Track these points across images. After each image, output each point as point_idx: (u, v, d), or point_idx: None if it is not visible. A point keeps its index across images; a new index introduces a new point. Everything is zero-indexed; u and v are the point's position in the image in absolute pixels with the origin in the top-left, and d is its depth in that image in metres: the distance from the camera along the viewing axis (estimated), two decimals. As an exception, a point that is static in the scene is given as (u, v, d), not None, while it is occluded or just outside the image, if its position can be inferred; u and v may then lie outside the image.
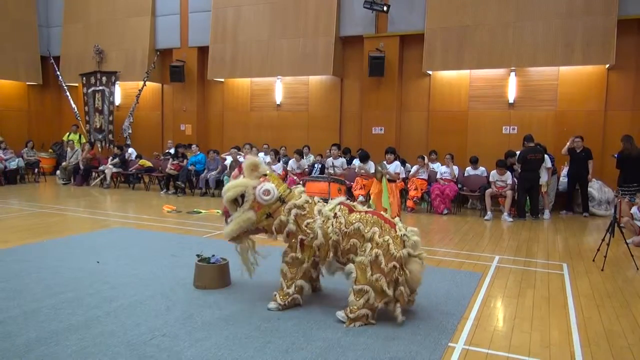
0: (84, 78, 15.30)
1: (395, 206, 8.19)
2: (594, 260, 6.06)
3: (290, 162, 11.26)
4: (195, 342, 3.47)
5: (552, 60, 10.39)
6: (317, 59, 12.32)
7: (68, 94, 15.51)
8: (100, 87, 15.08)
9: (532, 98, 10.99)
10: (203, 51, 14.08)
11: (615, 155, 8.65)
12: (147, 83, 14.39)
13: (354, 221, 4.02)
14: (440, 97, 11.78)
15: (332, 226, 4.04)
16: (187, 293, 4.53)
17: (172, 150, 13.08)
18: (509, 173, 9.43)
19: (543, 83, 10.90)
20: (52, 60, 15.82)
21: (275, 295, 4.18)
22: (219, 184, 11.52)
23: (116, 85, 14.98)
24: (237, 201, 4.18)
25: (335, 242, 4.02)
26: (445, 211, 9.74)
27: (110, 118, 15.06)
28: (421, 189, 10.15)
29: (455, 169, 10.23)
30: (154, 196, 11.72)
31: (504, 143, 11.02)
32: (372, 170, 9.53)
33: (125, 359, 3.19)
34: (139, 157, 13.28)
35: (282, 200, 4.18)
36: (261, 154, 11.68)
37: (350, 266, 3.93)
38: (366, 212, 4.16)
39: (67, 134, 15.25)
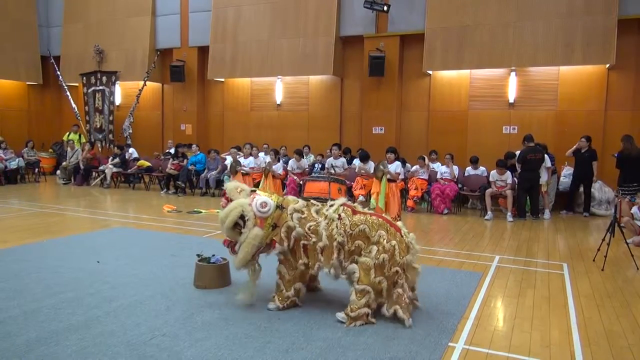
0: (84, 78, 15.30)
1: (395, 206, 8.19)
2: (594, 260, 6.06)
3: (291, 162, 11.27)
4: (195, 342, 3.47)
5: (553, 60, 10.38)
6: (318, 59, 12.32)
7: (68, 93, 15.51)
8: (101, 87, 15.08)
9: (532, 98, 10.99)
10: (203, 51, 14.08)
11: (615, 155, 8.65)
12: (147, 83, 14.39)
13: (359, 223, 4.02)
14: (441, 97, 11.78)
15: (337, 228, 4.02)
16: (187, 293, 4.53)
17: (172, 150, 13.08)
18: (509, 173, 9.43)
19: (543, 83, 10.90)
20: (53, 60, 15.83)
21: (273, 297, 4.17)
22: (219, 183, 11.52)
23: (116, 85, 14.99)
24: (238, 226, 4.08)
25: (340, 244, 4.01)
26: (446, 211, 9.74)
27: (111, 118, 15.06)
28: (421, 189, 10.15)
29: (455, 169, 10.23)
30: (154, 196, 11.72)
31: (504, 143, 11.02)
32: (372, 170, 9.53)
33: (126, 359, 3.19)
34: (136, 159, 13.28)
35: (280, 207, 4.15)
36: (261, 154, 11.68)
37: (353, 266, 3.93)
38: (370, 214, 4.16)
39: (67, 133, 15.26)
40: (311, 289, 4.54)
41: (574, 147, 9.70)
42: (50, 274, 5.01)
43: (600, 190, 9.81)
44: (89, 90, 15.28)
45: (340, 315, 3.91)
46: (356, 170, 10.18)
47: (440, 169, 10.42)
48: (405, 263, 3.92)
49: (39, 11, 16.16)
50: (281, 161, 11.53)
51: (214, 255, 4.86)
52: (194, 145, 12.70)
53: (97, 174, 13.61)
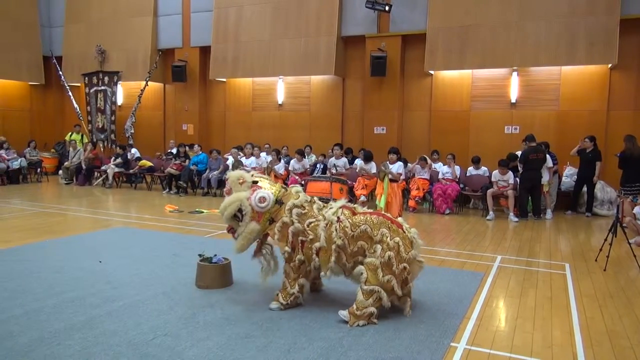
0: (86, 78, 15.32)
1: (396, 206, 8.20)
2: (596, 260, 6.05)
3: (292, 162, 11.27)
4: (197, 341, 3.47)
5: (555, 60, 10.37)
6: (319, 59, 12.32)
7: (70, 93, 15.53)
8: (103, 87, 15.10)
9: (534, 98, 10.98)
10: (205, 51, 14.10)
11: (618, 155, 8.63)
12: (149, 83, 14.41)
13: (360, 223, 4.02)
14: (442, 96, 11.77)
15: (336, 231, 4.01)
16: (189, 293, 4.53)
17: (174, 150, 13.09)
18: (510, 173, 9.42)
19: (545, 83, 10.89)
20: (55, 60, 15.86)
21: (277, 294, 4.18)
22: (221, 183, 11.51)
23: (118, 85, 15.01)
24: (237, 217, 4.15)
25: (340, 248, 4.00)
26: (447, 211, 9.73)
27: (113, 118, 15.08)
28: (423, 189, 10.14)
29: (457, 169, 10.22)
30: (156, 196, 11.73)
31: (506, 143, 11.01)
32: (374, 171, 9.53)
33: (127, 359, 3.20)
34: (138, 158, 13.29)
35: (279, 202, 4.15)
36: (263, 154, 11.69)
37: (360, 267, 3.93)
38: (370, 213, 4.16)
39: (70, 133, 15.29)
40: (313, 289, 4.54)
41: (578, 146, 9.68)
42: (52, 273, 5.02)
43: (603, 190, 9.79)
44: (91, 90, 15.30)
45: (343, 313, 3.90)
46: (357, 170, 10.18)
47: (442, 169, 10.42)
48: (411, 258, 3.95)
49: (41, 11, 16.18)
50: (283, 161, 11.53)
51: (215, 255, 4.86)
52: (195, 145, 12.71)
53: (99, 174, 13.62)
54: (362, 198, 9.41)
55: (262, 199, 4.07)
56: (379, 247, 3.90)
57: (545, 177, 9.39)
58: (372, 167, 9.70)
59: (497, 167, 9.51)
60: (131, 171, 13.06)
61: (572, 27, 10.09)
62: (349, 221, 4.05)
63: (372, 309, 3.84)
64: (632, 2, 9.84)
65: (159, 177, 12.90)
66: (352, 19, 12.20)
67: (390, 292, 3.89)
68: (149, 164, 13.01)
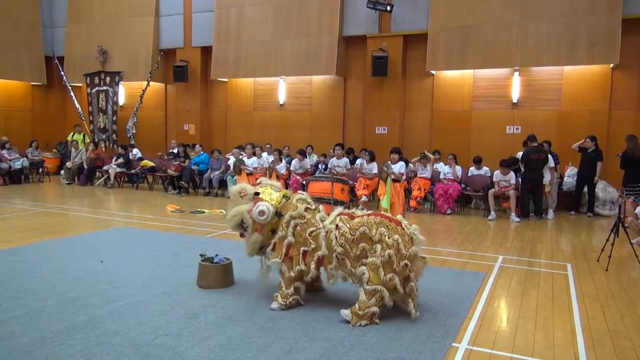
0: (88, 78, 15.35)
1: (399, 206, 8.20)
2: (598, 261, 6.04)
3: (294, 162, 11.27)
4: (199, 341, 3.48)
5: (556, 60, 10.35)
6: (321, 59, 12.32)
7: (72, 94, 15.54)
8: (104, 87, 15.12)
9: (535, 98, 10.97)
10: (206, 51, 14.11)
11: (620, 155, 8.62)
12: (150, 83, 14.42)
13: (358, 226, 4.02)
14: (444, 96, 11.76)
15: (336, 238, 4.03)
16: (191, 293, 4.53)
17: (175, 150, 13.10)
18: (512, 173, 9.41)
19: (547, 83, 10.87)
20: (56, 61, 15.88)
21: (276, 295, 4.18)
22: (222, 183, 11.54)
23: (120, 85, 15.02)
24: (242, 226, 4.32)
25: (342, 255, 4.01)
26: (449, 211, 9.72)
27: (114, 118, 15.10)
28: (424, 189, 10.13)
29: (458, 169, 10.21)
30: (158, 196, 11.75)
31: (507, 143, 11.00)
32: (375, 171, 9.52)
33: (129, 359, 3.20)
34: (140, 159, 13.31)
35: (279, 214, 4.22)
36: (264, 154, 11.69)
37: (362, 268, 3.93)
38: (368, 214, 4.17)
39: (71, 134, 15.30)
40: (314, 289, 4.54)
41: (580, 142, 9.66)
42: (53, 273, 5.03)
43: (604, 190, 9.78)
44: (93, 91, 15.32)
45: (345, 312, 3.89)
46: (359, 170, 10.17)
47: (443, 169, 10.41)
48: (412, 255, 3.93)
49: (43, 11, 16.20)
50: (284, 161, 11.54)
51: (217, 255, 4.86)
52: (197, 146, 12.72)
53: (100, 174, 13.64)
54: (364, 198, 9.41)
55: (262, 212, 4.18)
56: (378, 246, 3.90)
57: (547, 177, 9.38)
58: (374, 167, 9.69)
59: (498, 167, 9.50)
60: (133, 171, 13.08)
61: (574, 27, 10.07)
62: (347, 226, 4.06)
63: (375, 309, 3.83)
64: (634, 1, 9.83)
65: (160, 177, 12.91)
66: (353, 19, 12.20)
67: (392, 291, 3.88)
68: (151, 164, 13.03)
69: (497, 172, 9.52)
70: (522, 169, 9.37)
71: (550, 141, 9.98)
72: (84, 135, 15.29)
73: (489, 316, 4.16)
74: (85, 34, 15.60)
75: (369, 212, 4.30)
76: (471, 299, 4.54)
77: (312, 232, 4.11)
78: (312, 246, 4.08)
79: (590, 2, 9.97)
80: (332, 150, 11.33)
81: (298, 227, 4.14)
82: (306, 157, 11.53)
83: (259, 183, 4.53)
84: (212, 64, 13.72)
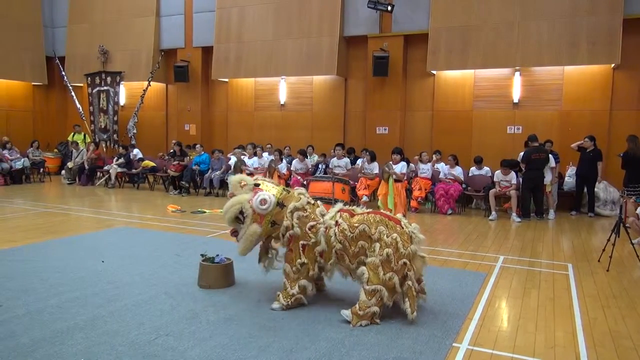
0: (89, 78, 15.36)
1: (400, 206, 8.19)
2: (599, 261, 6.03)
3: (294, 162, 11.27)
4: (199, 341, 3.48)
5: (557, 60, 10.35)
6: (321, 59, 12.32)
7: (73, 94, 15.56)
8: (105, 87, 15.13)
9: (536, 98, 10.96)
10: (207, 51, 14.11)
11: (621, 155, 8.61)
12: (151, 83, 14.43)
13: (357, 224, 4.02)
14: (445, 96, 11.76)
15: (335, 235, 4.03)
16: (191, 293, 4.53)
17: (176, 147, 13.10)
18: (513, 173, 9.40)
19: (548, 83, 10.87)
20: (57, 61, 15.89)
21: (278, 295, 4.18)
22: (223, 183, 11.54)
23: (121, 86, 15.04)
24: (239, 219, 4.20)
25: (341, 250, 4.02)
26: (450, 211, 9.71)
27: (115, 118, 15.11)
28: (425, 189, 10.13)
29: (459, 170, 10.19)
30: (159, 196, 11.75)
31: (508, 143, 11.00)
32: (376, 171, 9.52)
33: (130, 358, 3.20)
34: (141, 159, 13.32)
35: (281, 205, 4.16)
36: (265, 154, 11.69)
37: (362, 268, 3.92)
38: (368, 212, 4.16)
39: (71, 134, 15.31)
40: (316, 289, 4.53)
41: (579, 142, 9.66)
42: (54, 273, 5.03)
43: (606, 190, 9.77)
44: (94, 91, 15.34)
45: (346, 313, 3.89)
46: (360, 170, 10.17)
47: (444, 168, 10.41)
48: (411, 253, 3.91)
49: (44, 12, 16.21)
50: (285, 161, 11.54)
51: (217, 255, 4.86)
52: (197, 145, 12.72)
53: (101, 174, 13.65)
54: (365, 198, 9.40)
55: (263, 201, 4.09)
56: (377, 245, 3.90)
57: (548, 177, 9.37)
58: (375, 168, 9.69)
59: (499, 167, 9.50)
60: (134, 171, 13.09)
61: (575, 27, 10.06)
62: (346, 223, 4.06)
63: (375, 309, 3.83)
64: (635, 1, 9.81)
65: (161, 177, 12.92)
66: (354, 19, 12.20)
67: (391, 290, 3.87)
68: (152, 164, 13.04)
69: (498, 172, 9.51)
70: (523, 169, 9.36)
71: (552, 140, 9.97)
72: (84, 135, 15.30)
73: (490, 316, 4.16)
74: (86, 34, 15.61)
75: (368, 209, 4.28)
76: (472, 299, 4.54)
77: (312, 226, 4.10)
78: (312, 240, 4.07)
79: (591, 2, 9.95)
80: (332, 151, 11.32)
81: (299, 220, 4.12)
82: (307, 158, 11.53)
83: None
84: (213, 64, 13.72)
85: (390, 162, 8.66)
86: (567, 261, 6.13)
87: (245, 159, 11.30)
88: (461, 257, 6.20)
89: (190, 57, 14.22)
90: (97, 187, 13.21)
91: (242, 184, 4.25)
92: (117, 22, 15.09)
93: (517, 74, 10.99)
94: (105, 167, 13.45)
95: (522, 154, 9.55)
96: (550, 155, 9.39)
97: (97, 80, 15.24)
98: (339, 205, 4.35)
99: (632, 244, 6.26)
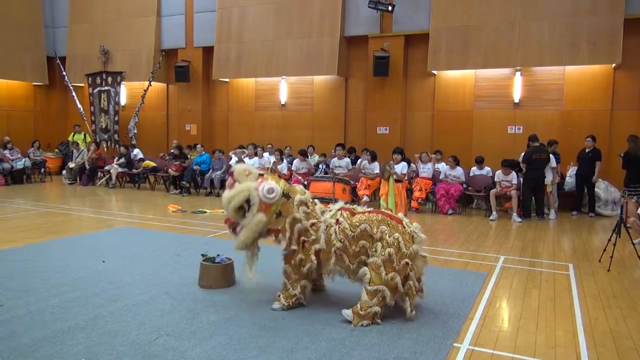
0: (90, 78, 15.37)
1: (401, 207, 8.18)
2: (600, 261, 6.03)
3: (295, 162, 11.28)
4: (200, 341, 3.48)
5: (558, 60, 10.34)
6: (322, 59, 12.32)
7: (74, 94, 15.57)
8: (106, 87, 15.14)
9: (537, 98, 10.95)
10: (208, 51, 14.12)
11: (621, 155, 8.61)
12: (152, 83, 14.44)
13: (359, 223, 4.01)
14: (445, 96, 11.75)
15: (335, 233, 4.01)
16: (192, 293, 4.53)
17: (175, 151, 13.10)
18: (514, 173, 9.40)
19: (549, 83, 10.86)
20: (58, 61, 15.90)
21: (279, 296, 4.17)
22: (224, 183, 11.51)
23: (122, 86, 15.04)
24: (243, 208, 4.04)
25: (340, 250, 4.00)
26: (450, 211, 9.71)
27: (116, 118, 15.12)
28: (425, 190, 10.12)
29: (460, 170, 10.18)
30: (160, 196, 11.76)
31: (509, 143, 10.99)
32: (376, 171, 9.51)
33: (130, 358, 3.20)
34: (141, 159, 13.32)
35: (286, 195, 4.10)
36: (266, 154, 11.69)
37: (364, 269, 3.92)
38: (369, 211, 4.15)
39: (72, 134, 15.33)
40: (316, 289, 4.54)
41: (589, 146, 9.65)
42: (55, 273, 5.03)
43: (606, 190, 9.76)
44: (95, 91, 15.34)
45: (347, 312, 3.89)
46: (360, 170, 10.16)
47: (444, 168, 10.40)
48: (412, 253, 3.91)
49: (45, 12, 16.22)
50: (285, 161, 11.54)
51: (218, 255, 4.86)
52: (198, 145, 12.73)
53: (102, 174, 13.66)
54: (365, 198, 9.40)
55: (270, 190, 3.98)
56: (379, 244, 3.89)
57: (549, 177, 9.37)
58: (375, 167, 9.68)
59: (500, 167, 9.49)
60: (134, 171, 13.09)
61: (576, 27, 10.06)
62: (347, 222, 4.04)
63: (377, 309, 3.83)
64: (636, 1, 9.80)
65: (162, 177, 12.93)
66: (354, 19, 12.20)
67: (394, 290, 3.87)
68: (153, 164, 13.04)
69: (498, 172, 9.51)
70: (524, 168, 9.36)
71: (557, 141, 9.96)
72: (84, 135, 15.32)
73: (491, 316, 4.16)
74: (87, 34, 15.62)
75: (369, 208, 4.27)
76: (473, 299, 4.54)
77: (313, 223, 4.08)
78: (313, 237, 4.04)
79: (592, 2, 9.95)
80: (333, 151, 11.32)
81: (305, 215, 4.08)
82: (308, 158, 11.53)
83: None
84: (214, 64, 13.73)
85: (391, 162, 8.65)
86: (567, 261, 6.13)
87: (246, 159, 11.30)
88: (462, 257, 6.20)
89: (191, 57, 14.23)
90: (98, 187, 13.21)
91: (247, 173, 4.14)
92: (118, 22, 15.09)
93: (518, 74, 10.99)
94: (106, 167, 13.45)
95: (523, 154, 9.55)
96: (551, 155, 9.39)
97: (98, 80, 15.24)
98: (340, 204, 4.33)
99: (633, 244, 6.26)
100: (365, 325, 3.79)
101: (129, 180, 13.54)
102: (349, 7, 12.24)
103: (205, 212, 9.28)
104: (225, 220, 4.29)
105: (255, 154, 11.42)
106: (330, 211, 4.21)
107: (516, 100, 11.08)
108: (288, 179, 11.06)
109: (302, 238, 4.04)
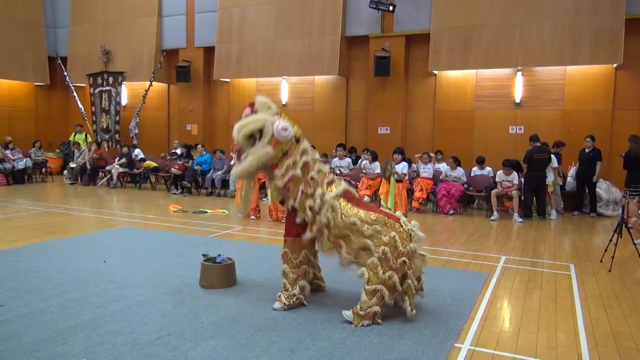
0: (91, 78, 15.38)
1: (400, 206, 8.19)
2: (601, 261, 6.02)
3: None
4: (201, 341, 3.48)
5: (559, 60, 10.33)
6: (323, 59, 12.31)
7: (75, 94, 15.58)
8: (107, 88, 15.15)
9: (538, 98, 10.94)
10: (209, 51, 14.12)
11: (623, 155, 8.60)
12: (153, 83, 14.44)
13: (351, 214, 3.99)
14: (446, 96, 11.74)
15: (329, 211, 3.99)
16: (193, 293, 4.54)
17: (178, 151, 13.12)
18: (515, 173, 9.39)
19: (550, 83, 10.84)
20: (60, 61, 15.91)
21: (279, 296, 4.18)
22: (225, 183, 11.56)
23: (123, 86, 15.05)
24: (254, 137, 4.08)
25: (324, 225, 3.99)
26: (451, 211, 9.70)
27: (117, 118, 15.12)
28: (426, 190, 10.11)
29: (460, 170, 10.17)
30: (161, 196, 11.77)
31: (510, 143, 10.98)
32: (377, 171, 9.52)
33: (131, 358, 3.20)
34: (142, 159, 13.33)
35: (297, 139, 4.12)
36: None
37: (363, 269, 3.92)
38: (369, 208, 4.14)
39: (73, 134, 15.34)
40: (316, 289, 4.54)
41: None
42: (56, 273, 5.04)
43: (608, 190, 9.75)
44: (96, 91, 15.35)
45: (347, 313, 3.89)
46: (364, 170, 10.16)
47: (445, 168, 10.40)
48: (410, 251, 3.91)
49: (46, 12, 16.23)
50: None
51: (219, 255, 4.86)
52: (199, 146, 12.73)
53: (103, 174, 13.67)
54: (366, 198, 9.41)
55: (285, 128, 4.03)
56: (369, 242, 3.88)
57: (550, 177, 9.36)
58: (376, 167, 9.68)
59: (501, 167, 9.49)
60: (135, 171, 13.10)
61: (577, 27, 10.04)
62: (341, 210, 4.02)
63: (376, 308, 3.83)
64: (637, 1, 9.79)
65: (163, 178, 12.93)
66: (356, 19, 12.20)
67: (392, 289, 3.87)
68: (154, 164, 13.05)
69: (499, 172, 9.51)
70: (525, 169, 9.35)
71: (564, 142, 9.95)
72: (85, 135, 15.33)
73: (492, 317, 4.16)
74: (88, 35, 15.62)
75: (370, 204, 4.23)
76: (474, 299, 4.53)
77: (312, 177, 4.07)
78: (310, 192, 4.03)
79: (593, 2, 9.93)
80: (334, 151, 11.33)
81: (305, 165, 4.07)
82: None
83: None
84: (215, 64, 13.73)
85: (392, 162, 8.66)
86: (569, 261, 6.12)
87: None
88: (463, 258, 6.20)
89: (192, 57, 14.23)
90: (99, 187, 13.23)
91: (268, 106, 4.17)
92: (119, 22, 15.10)
93: (519, 74, 10.97)
94: (107, 167, 13.47)
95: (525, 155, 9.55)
96: (552, 156, 9.38)
97: (99, 81, 15.25)
98: (344, 185, 4.26)
99: (635, 244, 6.25)
100: (365, 325, 3.79)
101: (130, 181, 13.55)
102: (350, 7, 12.23)
103: (206, 212, 9.29)
104: (233, 147, 4.31)
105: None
106: (334, 190, 4.14)
107: (517, 101, 11.07)
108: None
109: (301, 188, 4.03)
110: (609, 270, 5.62)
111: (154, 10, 14.51)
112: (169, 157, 12.89)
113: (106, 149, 15.13)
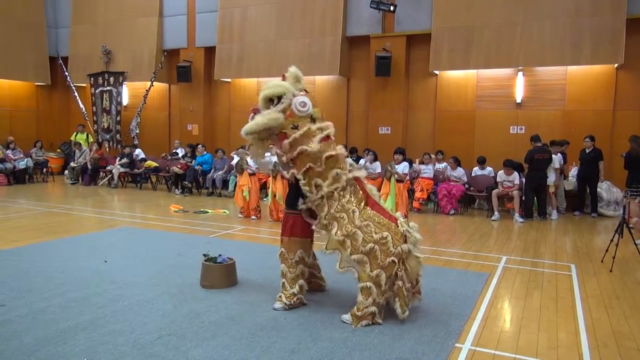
0: (92, 78, 15.39)
1: (401, 207, 8.19)
2: (602, 261, 6.02)
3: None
4: (202, 341, 3.48)
5: (560, 60, 10.32)
6: (324, 59, 12.31)
7: (76, 94, 15.59)
8: (108, 88, 15.16)
9: (539, 98, 10.93)
10: (210, 51, 14.12)
11: (623, 155, 8.59)
12: (154, 83, 14.45)
13: (349, 205, 3.98)
14: (447, 96, 11.73)
15: (336, 191, 3.98)
16: (194, 292, 4.54)
17: (179, 150, 13.13)
18: (516, 173, 9.39)
19: (551, 83, 10.84)
20: (61, 61, 15.92)
21: (280, 296, 4.19)
22: (226, 183, 11.56)
23: (124, 86, 15.05)
24: (272, 102, 4.12)
25: (326, 196, 3.98)
26: (452, 211, 9.70)
27: (118, 118, 15.13)
28: (427, 190, 10.11)
29: (461, 171, 10.16)
30: (161, 196, 11.78)
31: (511, 143, 10.98)
32: (378, 171, 9.52)
33: (132, 358, 3.21)
34: (143, 159, 13.34)
35: (313, 119, 4.13)
36: (267, 154, 11.66)
37: (352, 269, 3.92)
38: (373, 204, 4.11)
39: (74, 134, 15.35)
40: (316, 289, 4.54)
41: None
42: (57, 273, 5.04)
43: (609, 190, 9.74)
44: (97, 91, 15.36)
45: (346, 317, 3.90)
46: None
47: (445, 169, 10.39)
48: (402, 252, 3.88)
49: (47, 12, 16.24)
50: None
51: (220, 255, 4.86)
52: (200, 146, 12.74)
53: (104, 174, 13.68)
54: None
55: (303, 104, 4.07)
56: (359, 233, 3.85)
57: (552, 178, 9.35)
58: (377, 167, 9.68)
59: (502, 167, 9.48)
60: (136, 171, 13.11)
61: (578, 27, 10.04)
62: (342, 198, 4.01)
63: (373, 308, 3.82)
64: (638, 1, 9.78)
65: (164, 178, 12.94)
66: (356, 19, 12.19)
67: (379, 288, 3.84)
68: (155, 164, 13.06)
69: (500, 172, 9.50)
70: (526, 169, 9.34)
71: (569, 141, 9.94)
72: (87, 135, 15.34)
73: (493, 317, 4.15)
74: (89, 35, 15.63)
75: (375, 202, 4.20)
76: (474, 299, 4.53)
77: (329, 156, 4.01)
78: (318, 169, 4.00)
79: (594, 2, 9.92)
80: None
81: (320, 143, 4.02)
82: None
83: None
84: (216, 64, 13.73)
85: (393, 162, 8.66)
86: (570, 261, 6.12)
87: (248, 159, 11.28)
88: (464, 258, 6.19)
89: (192, 57, 14.23)
90: (100, 187, 13.24)
91: (297, 80, 4.22)
92: (120, 22, 15.11)
93: (520, 74, 10.97)
94: (108, 167, 13.48)
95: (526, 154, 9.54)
96: (553, 156, 9.37)
97: (100, 81, 15.26)
98: (357, 172, 4.21)
99: (636, 245, 6.24)
100: (365, 325, 3.79)
101: (131, 181, 13.56)
102: (351, 7, 12.23)
103: (207, 212, 9.29)
104: (253, 107, 4.34)
105: (257, 154, 11.39)
106: (350, 170, 4.13)
107: (518, 101, 11.06)
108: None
109: (310, 164, 4.00)
110: (610, 271, 5.61)
111: (155, 10, 14.51)
112: (169, 157, 12.89)
113: (107, 149, 15.14)
